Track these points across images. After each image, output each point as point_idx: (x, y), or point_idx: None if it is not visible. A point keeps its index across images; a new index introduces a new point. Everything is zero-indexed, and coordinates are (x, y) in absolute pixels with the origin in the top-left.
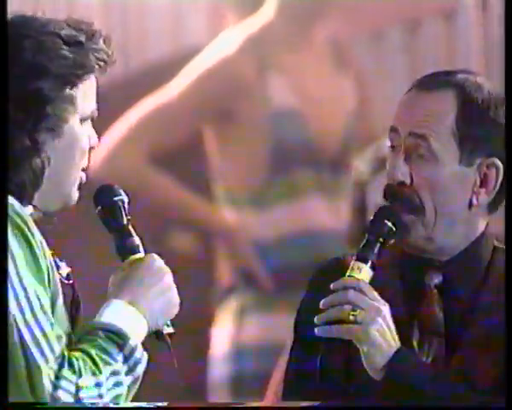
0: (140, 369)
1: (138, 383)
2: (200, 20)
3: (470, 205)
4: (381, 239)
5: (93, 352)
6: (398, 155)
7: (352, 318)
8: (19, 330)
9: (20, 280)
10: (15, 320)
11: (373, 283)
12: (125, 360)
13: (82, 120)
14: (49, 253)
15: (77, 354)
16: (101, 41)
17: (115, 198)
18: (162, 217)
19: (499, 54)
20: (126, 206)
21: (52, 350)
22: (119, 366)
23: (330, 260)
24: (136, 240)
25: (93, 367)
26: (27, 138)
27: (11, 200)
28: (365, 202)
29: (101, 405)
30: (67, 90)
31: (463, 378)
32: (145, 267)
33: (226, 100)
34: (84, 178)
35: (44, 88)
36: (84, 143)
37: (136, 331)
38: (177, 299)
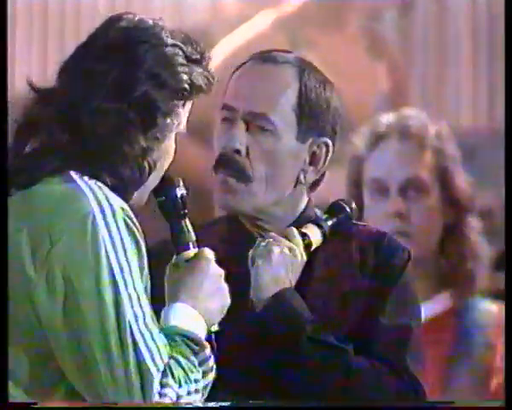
0: (211, 377)
1: (208, 389)
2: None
3: (297, 181)
4: (337, 217)
5: (182, 361)
6: (235, 126)
7: (259, 240)
8: (132, 336)
9: (135, 287)
10: (130, 326)
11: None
12: (199, 366)
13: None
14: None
15: (171, 361)
16: (209, 63)
17: (178, 191)
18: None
19: (485, 38)
20: (186, 200)
21: (161, 358)
22: (200, 375)
23: (157, 242)
24: (192, 236)
25: (185, 376)
26: (143, 139)
27: (122, 203)
28: (361, 175)
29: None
30: (177, 107)
31: None
32: (201, 270)
33: None
34: None
35: (159, 100)
36: (172, 155)
37: (203, 336)
38: (228, 300)
